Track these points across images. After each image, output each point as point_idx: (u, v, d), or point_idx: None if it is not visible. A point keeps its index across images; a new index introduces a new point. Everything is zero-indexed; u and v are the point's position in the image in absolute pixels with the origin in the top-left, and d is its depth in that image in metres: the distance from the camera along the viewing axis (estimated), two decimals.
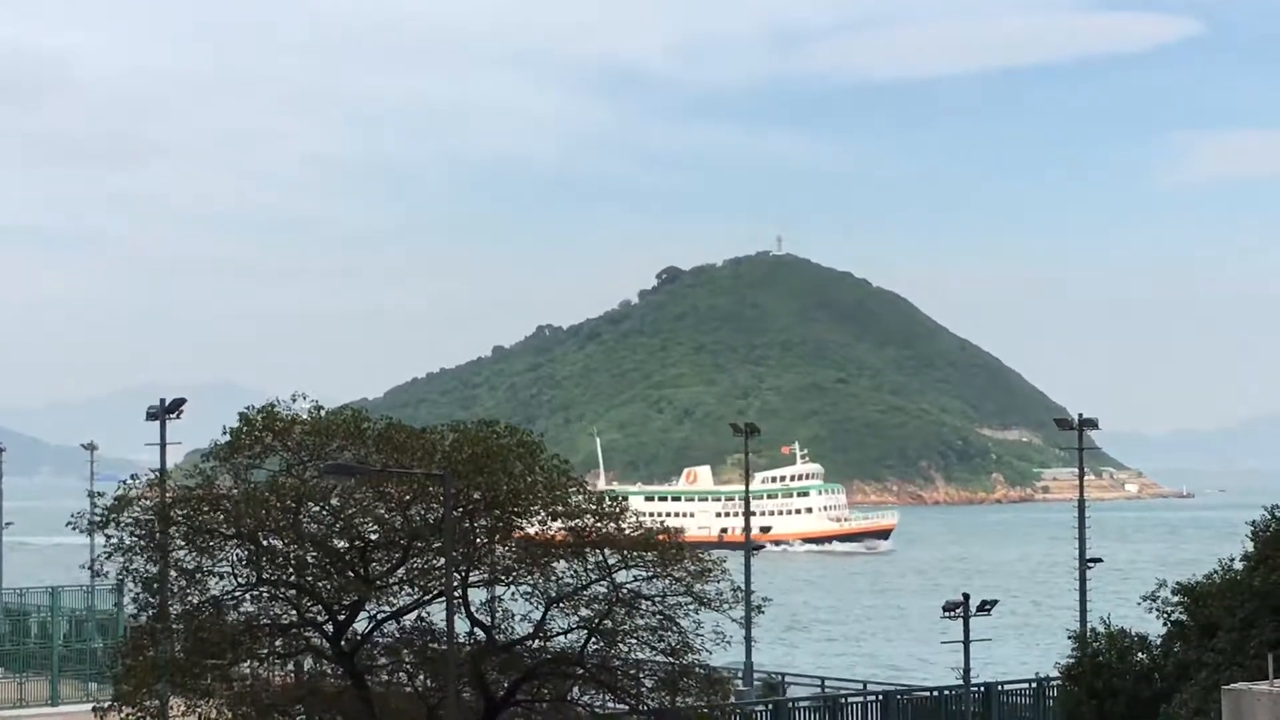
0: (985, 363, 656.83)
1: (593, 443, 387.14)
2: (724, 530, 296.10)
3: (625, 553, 47.47)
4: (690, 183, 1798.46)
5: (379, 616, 48.70)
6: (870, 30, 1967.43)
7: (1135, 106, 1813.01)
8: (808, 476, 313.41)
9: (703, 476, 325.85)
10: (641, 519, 50.00)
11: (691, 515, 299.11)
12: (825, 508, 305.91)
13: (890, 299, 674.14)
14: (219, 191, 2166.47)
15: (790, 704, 65.99)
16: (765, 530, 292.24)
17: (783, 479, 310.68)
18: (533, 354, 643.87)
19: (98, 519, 47.75)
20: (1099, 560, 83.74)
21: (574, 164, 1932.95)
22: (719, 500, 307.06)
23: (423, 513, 47.12)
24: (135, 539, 47.08)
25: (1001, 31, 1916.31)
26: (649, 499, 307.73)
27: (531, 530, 48.08)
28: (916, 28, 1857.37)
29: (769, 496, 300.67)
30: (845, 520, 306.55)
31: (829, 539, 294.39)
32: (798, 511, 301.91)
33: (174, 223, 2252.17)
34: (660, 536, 48.29)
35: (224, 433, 48.30)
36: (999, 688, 65.97)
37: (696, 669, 48.12)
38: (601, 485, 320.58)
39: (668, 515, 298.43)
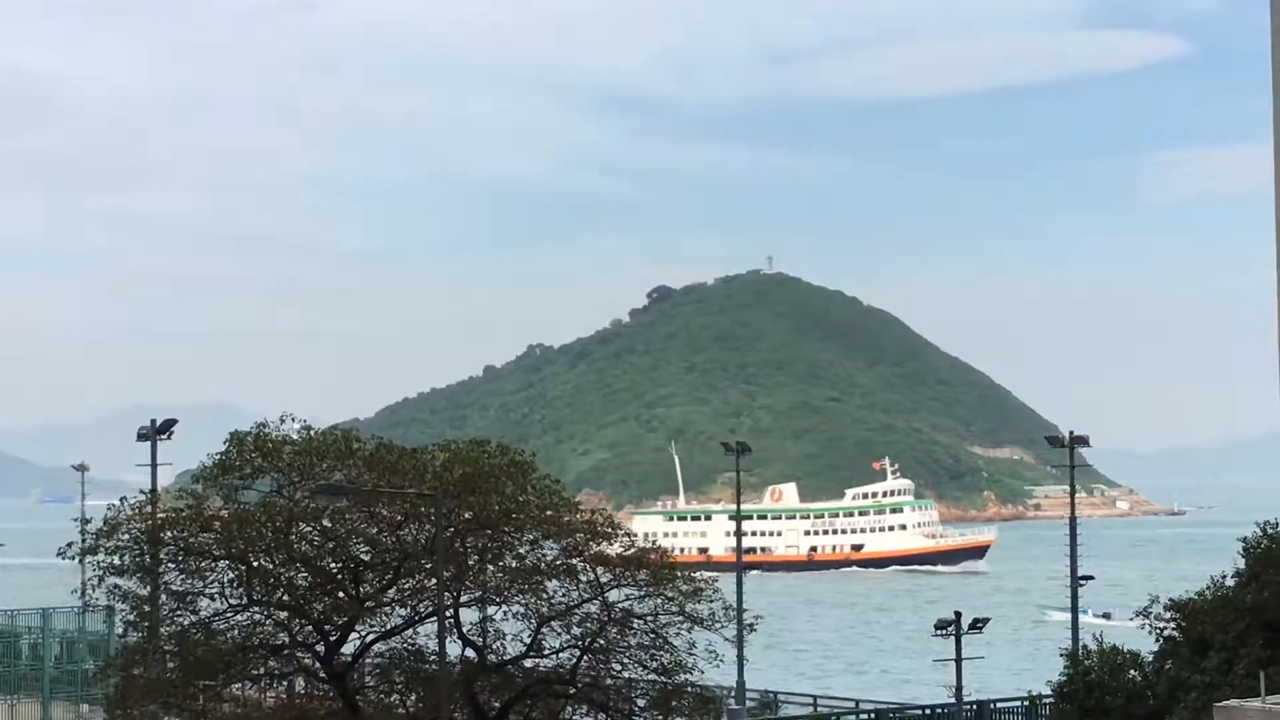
0: (976, 380, 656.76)
1: (583, 461, 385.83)
2: (813, 549, 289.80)
3: (617, 571, 47.40)
4: (681, 202, 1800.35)
5: (370, 637, 48.62)
6: (861, 49, 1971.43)
7: (1124, 124, 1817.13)
8: (899, 492, 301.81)
9: (788, 494, 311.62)
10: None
11: (778, 534, 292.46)
12: (919, 524, 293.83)
13: (881, 317, 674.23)
14: (212, 212, 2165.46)
15: None
16: (857, 549, 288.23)
17: (874, 495, 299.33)
18: (524, 373, 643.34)
19: (86, 544, 47.60)
20: (1090, 578, 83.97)
21: (565, 183, 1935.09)
22: (807, 518, 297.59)
23: (414, 533, 47.06)
24: (124, 562, 46.95)
25: (993, 50, 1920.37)
26: (731, 518, 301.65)
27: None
28: (908, 47, 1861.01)
29: (860, 514, 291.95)
30: (940, 537, 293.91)
31: (924, 557, 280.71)
32: (891, 529, 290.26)
33: (167, 243, 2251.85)
34: (651, 556, 48.22)
35: (211, 456, 48.20)
36: (991, 705, 65.91)
37: (689, 688, 48.06)
38: (680, 504, 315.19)
39: (754, 534, 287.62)
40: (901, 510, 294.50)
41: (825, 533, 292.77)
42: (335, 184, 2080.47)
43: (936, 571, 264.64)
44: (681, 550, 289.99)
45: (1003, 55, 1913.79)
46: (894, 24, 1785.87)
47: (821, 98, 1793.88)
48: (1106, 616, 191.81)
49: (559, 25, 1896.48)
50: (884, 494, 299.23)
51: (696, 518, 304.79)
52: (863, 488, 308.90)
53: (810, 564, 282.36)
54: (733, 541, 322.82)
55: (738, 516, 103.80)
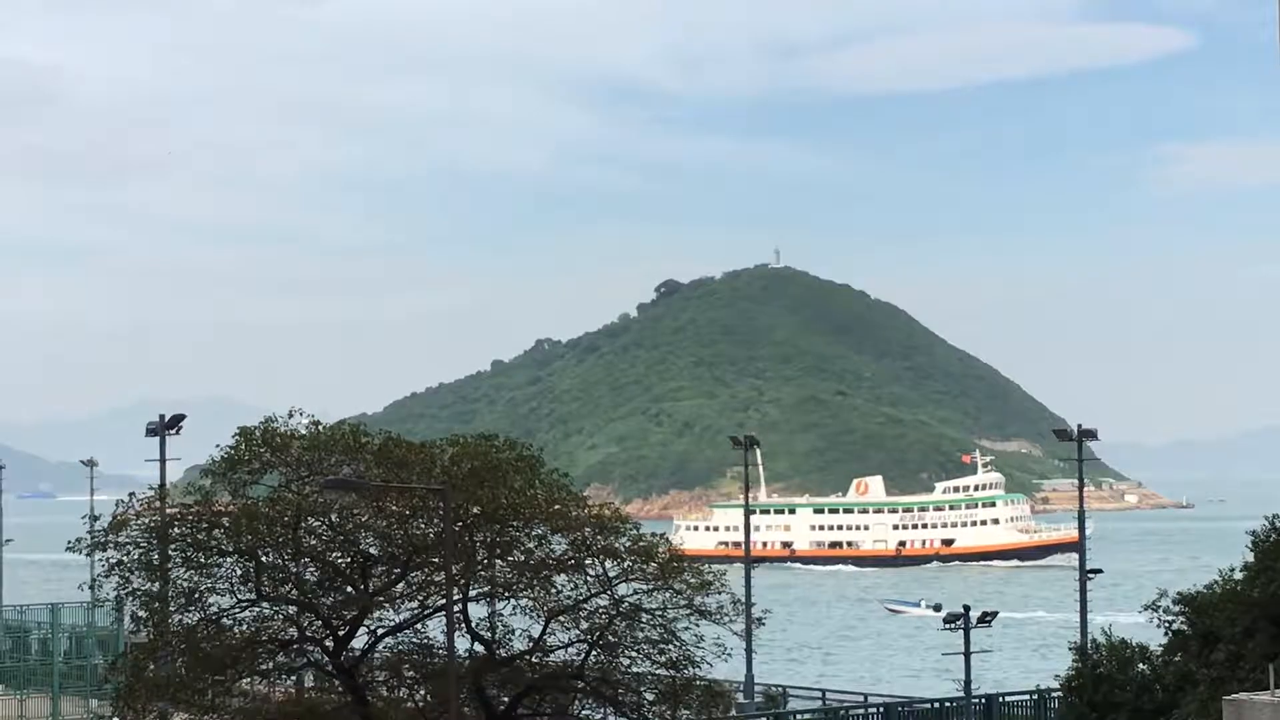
0: (983, 374, 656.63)
1: (591, 455, 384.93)
2: (902, 544, 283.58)
3: (626, 565, 47.37)
4: (688, 195, 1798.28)
5: (379, 632, 48.66)
6: (867, 42, 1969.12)
7: (1128, 117, 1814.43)
8: (990, 486, 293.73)
9: (874, 487, 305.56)
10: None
11: (865, 528, 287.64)
12: (1011, 518, 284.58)
13: (888, 310, 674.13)
14: (214, 204, 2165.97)
15: (791, 716, 65.97)
16: (948, 543, 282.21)
17: (965, 489, 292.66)
18: (532, 368, 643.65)
19: (96, 540, 47.62)
20: (1099, 571, 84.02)
21: (571, 176, 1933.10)
22: (895, 512, 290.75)
23: (422, 527, 47.08)
24: (133, 559, 46.95)
25: (998, 43, 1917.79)
26: (818, 511, 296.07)
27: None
28: (913, 40, 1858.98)
29: (951, 508, 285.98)
30: (1034, 532, 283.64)
31: (1016, 552, 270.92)
32: (983, 523, 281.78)
33: (170, 236, 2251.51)
34: (662, 551, 48.16)
35: (221, 450, 48.23)
36: (1000, 699, 65.85)
37: (697, 682, 48.05)
38: (763, 498, 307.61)
39: (839, 528, 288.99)
40: (994, 504, 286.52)
41: (914, 527, 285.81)
42: (336, 177, 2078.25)
43: (1046, 566, 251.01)
44: (765, 544, 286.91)
45: (1007, 49, 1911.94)
46: (896, 17, 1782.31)
47: (825, 91, 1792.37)
48: (937, 608, 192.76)
49: (559, 18, 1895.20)
50: (975, 488, 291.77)
51: (780, 511, 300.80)
52: (953, 481, 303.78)
53: (898, 559, 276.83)
54: (818, 535, 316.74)
55: (745, 511, 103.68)
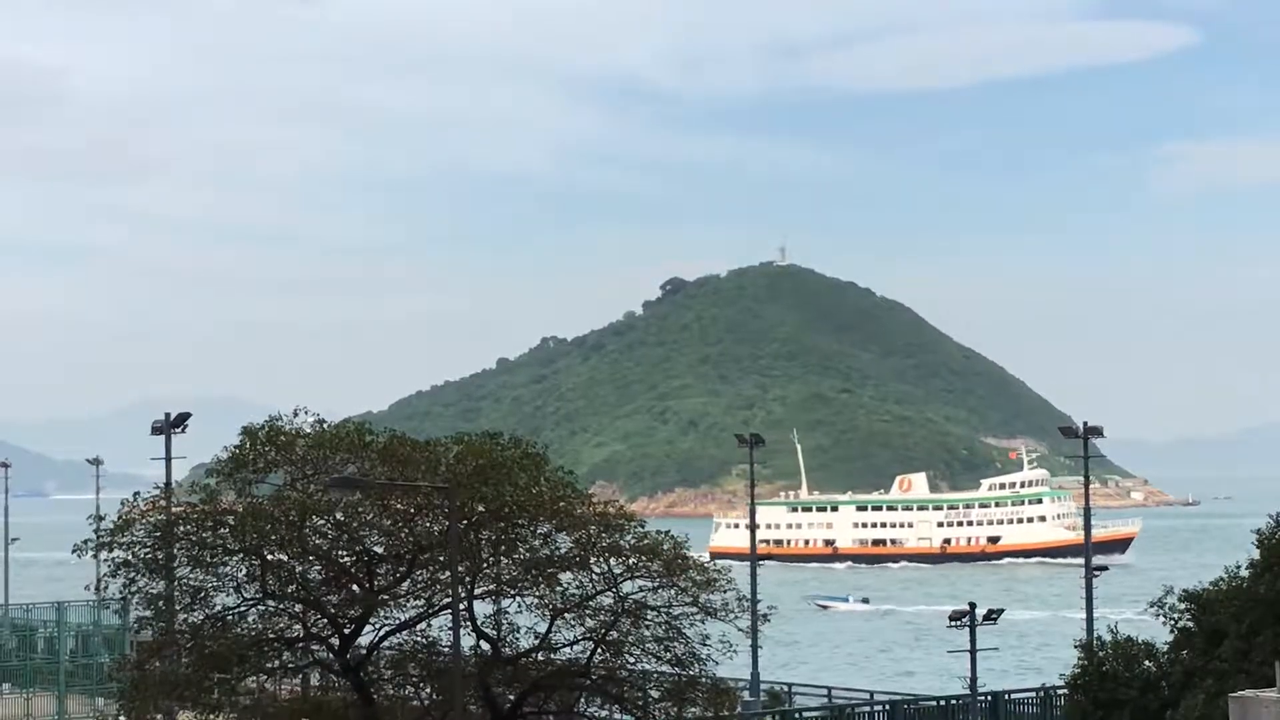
0: (989, 371, 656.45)
1: (596, 453, 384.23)
2: (947, 541, 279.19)
3: (631, 563, 47.32)
4: (693, 193, 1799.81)
5: (384, 630, 48.66)
6: (871, 41, 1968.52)
7: (1133, 115, 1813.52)
8: (1037, 483, 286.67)
9: (918, 484, 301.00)
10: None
11: (909, 525, 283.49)
12: (1058, 515, 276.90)
13: (894, 308, 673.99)
14: (219, 204, 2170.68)
15: (797, 714, 65.92)
16: (994, 541, 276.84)
17: (1010, 485, 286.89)
18: (537, 366, 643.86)
19: (102, 540, 47.59)
20: (1105, 569, 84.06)
21: (576, 175, 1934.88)
22: (940, 509, 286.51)
23: (427, 525, 47.06)
24: (138, 559, 46.91)
25: (1001, 41, 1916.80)
26: (860, 508, 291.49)
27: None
28: (917, 38, 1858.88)
29: (996, 504, 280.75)
30: (1080, 529, 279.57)
31: (1064, 550, 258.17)
32: (1029, 520, 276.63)
33: (174, 236, 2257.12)
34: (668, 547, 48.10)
35: (227, 449, 48.20)
36: (1005, 697, 65.84)
37: (702, 679, 48.02)
38: (804, 494, 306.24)
39: (882, 525, 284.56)
40: (1040, 501, 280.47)
41: (959, 524, 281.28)
42: (339, 177, 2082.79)
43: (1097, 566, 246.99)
44: (806, 542, 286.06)
45: (1008, 47, 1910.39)
46: (903, 16, 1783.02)
47: (828, 90, 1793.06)
48: (865, 601, 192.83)
49: (561, 18, 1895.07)
50: (1020, 484, 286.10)
51: (822, 508, 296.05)
52: (999, 478, 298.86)
53: (944, 556, 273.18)
54: (860, 532, 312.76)
55: (751, 509, 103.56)
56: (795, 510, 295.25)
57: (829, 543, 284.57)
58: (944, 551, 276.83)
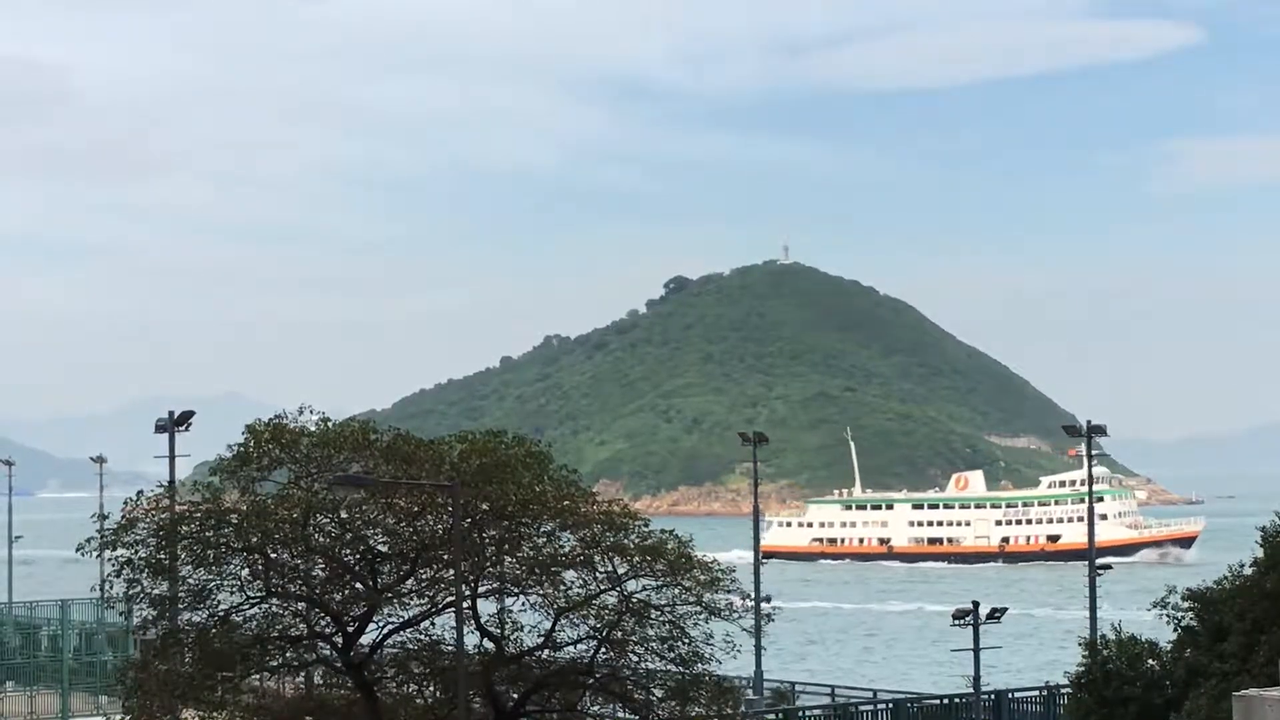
0: (993, 370, 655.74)
1: (600, 451, 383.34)
2: (1005, 540, 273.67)
3: (635, 561, 47.31)
4: (696, 191, 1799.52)
5: (388, 628, 48.67)
6: (874, 38, 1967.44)
7: (1135, 113, 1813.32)
8: (1097, 480, 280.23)
9: (975, 482, 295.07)
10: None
11: (967, 524, 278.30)
12: (1120, 514, 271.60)
13: (898, 307, 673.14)
14: (222, 202, 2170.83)
15: (800, 713, 65.97)
16: (1053, 539, 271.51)
17: (1071, 483, 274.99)
18: (540, 364, 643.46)
19: (106, 538, 47.57)
20: (1109, 567, 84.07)
21: (579, 173, 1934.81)
22: (998, 507, 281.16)
23: (431, 524, 47.07)
24: (142, 559, 46.86)
25: (1003, 39, 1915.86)
26: (916, 506, 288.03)
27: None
28: (919, 36, 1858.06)
29: (1057, 502, 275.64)
30: (1144, 527, 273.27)
31: (1127, 548, 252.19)
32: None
33: (177, 233, 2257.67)
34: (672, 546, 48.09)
35: (231, 448, 48.18)
36: (1009, 695, 65.88)
37: (706, 678, 48.01)
38: (857, 493, 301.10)
39: (938, 524, 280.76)
40: (1102, 499, 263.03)
41: (1018, 522, 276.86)
42: (343, 174, 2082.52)
43: (1161, 564, 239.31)
44: (861, 541, 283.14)
45: (1011, 45, 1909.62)
46: (905, 14, 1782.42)
47: (833, 88, 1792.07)
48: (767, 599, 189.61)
49: (565, 17, 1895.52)
50: (1080, 482, 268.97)
51: (877, 506, 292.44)
52: (1059, 475, 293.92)
53: (1002, 554, 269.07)
54: (916, 531, 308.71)
55: (755, 509, 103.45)
56: (849, 509, 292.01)
57: (884, 541, 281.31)
58: (1002, 550, 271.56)
